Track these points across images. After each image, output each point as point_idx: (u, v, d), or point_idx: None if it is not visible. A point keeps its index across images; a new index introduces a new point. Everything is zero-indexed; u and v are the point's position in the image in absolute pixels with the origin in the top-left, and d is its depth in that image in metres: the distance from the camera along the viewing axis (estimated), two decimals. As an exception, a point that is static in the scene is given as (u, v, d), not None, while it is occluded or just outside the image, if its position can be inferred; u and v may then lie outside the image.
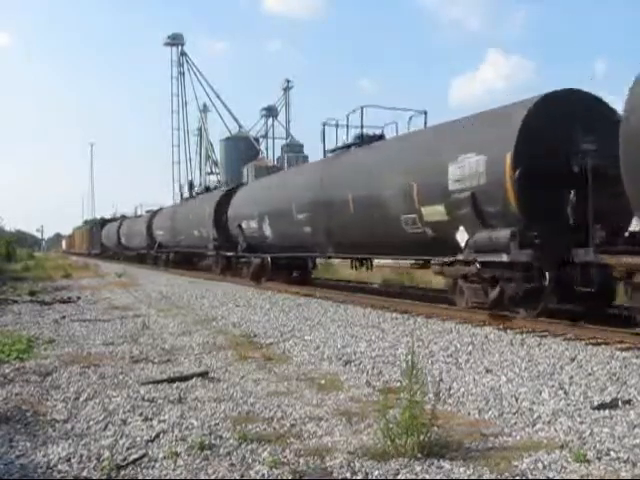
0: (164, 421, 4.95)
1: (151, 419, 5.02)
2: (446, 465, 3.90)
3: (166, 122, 74.55)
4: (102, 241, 54.25)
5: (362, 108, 15.22)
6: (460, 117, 11.69)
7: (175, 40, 71.88)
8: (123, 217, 51.86)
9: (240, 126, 66.57)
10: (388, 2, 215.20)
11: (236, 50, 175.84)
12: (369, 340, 8.70)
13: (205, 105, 71.64)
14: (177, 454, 4.16)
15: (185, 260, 30.45)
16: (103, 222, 56.98)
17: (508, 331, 9.11)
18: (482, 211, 9.81)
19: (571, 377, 6.17)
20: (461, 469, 3.83)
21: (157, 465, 4.01)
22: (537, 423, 4.76)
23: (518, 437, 4.48)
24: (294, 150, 51.71)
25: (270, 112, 71.16)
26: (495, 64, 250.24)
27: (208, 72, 72.74)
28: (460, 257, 10.33)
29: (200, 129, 72.94)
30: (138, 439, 4.51)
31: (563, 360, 7.00)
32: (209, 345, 8.58)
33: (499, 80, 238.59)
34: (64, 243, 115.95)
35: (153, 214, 37.62)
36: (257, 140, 64.69)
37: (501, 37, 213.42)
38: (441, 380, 6.18)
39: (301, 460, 4.03)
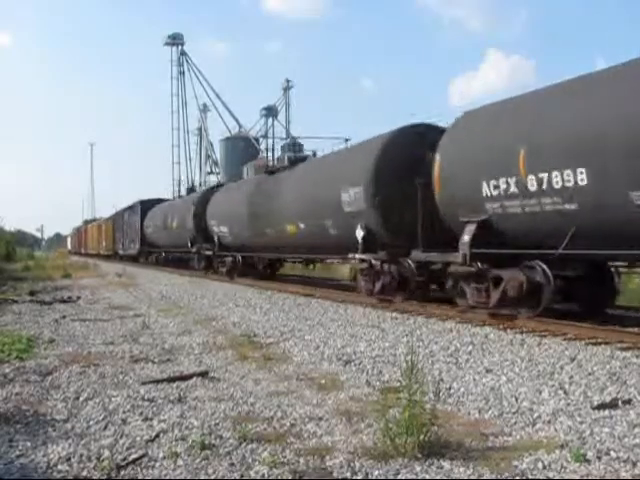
0: (164, 421, 4.95)
1: (151, 419, 5.02)
2: (446, 465, 3.90)
3: (166, 122, 74.73)
4: (145, 236, 34.49)
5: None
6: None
7: (175, 40, 71.87)
8: (201, 189, 32.76)
9: (240, 126, 66.65)
10: (389, 2, 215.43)
11: (236, 50, 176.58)
12: (369, 340, 8.69)
13: (205, 105, 71.66)
14: (177, 454, 4.15)
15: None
16: (147, 204, 35.40)
17: (508, 331, 9.11)
18: None
19: (571, 377, 6.17)
20: (461, 469, 3.83)
21: (157, 465, 4.01)
22: (537, 423, 4.76)
23: (518, 437, 4.48)
24: (294, 150, 51.61)
25: (270, 112, 71.14)
26: (495, 64, 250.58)
27: (208, 72, 72.99)
28: None
29: (200, 129, 72.94)
30: (138, 439, 4.51)
31: (563, 360, 7.00)
32: (209, 345, 8.58)
33: (499, 79, 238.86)
34: (69, 241, 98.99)
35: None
36: (257, 140, 64.68)
37: (501, 37, 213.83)
38: (441, 380, 6.18)
39: (301, 460, 4.03)
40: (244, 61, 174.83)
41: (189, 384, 6.23)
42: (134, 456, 4.14)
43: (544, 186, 8.50)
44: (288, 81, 71.88)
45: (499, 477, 3.73)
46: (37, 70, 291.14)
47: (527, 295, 9.17)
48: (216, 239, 23.23)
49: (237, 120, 67.67)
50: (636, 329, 8.16)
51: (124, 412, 5.23)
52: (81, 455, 4.18)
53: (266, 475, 3.80)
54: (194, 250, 25.60)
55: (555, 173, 8.31)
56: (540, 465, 3.87)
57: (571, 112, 8.44)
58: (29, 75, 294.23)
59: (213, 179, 66.70)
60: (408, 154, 12.10)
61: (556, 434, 4.48)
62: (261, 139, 67.79)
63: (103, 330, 10.15)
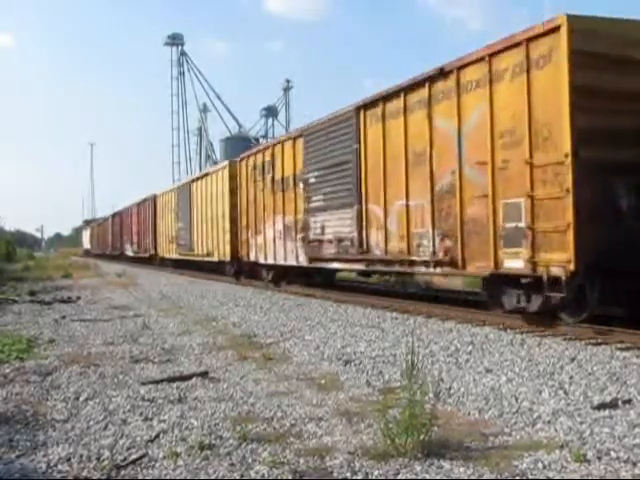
0: (164, 421, 4.95)
1: (151, 419, 5.03)
2: (446, 465, 3.90)
3: (166, 122, 74.89)
4: None
5: None
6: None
7: (175, 40, 72.10)
8: None
9: (240, 126, 66.80)
10: (390, 2, 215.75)
11: (237, 50, 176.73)
12: (369, 340, 8.69)
13: (205, 105, 71.89)
14: (177, 454, 4.16)
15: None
16: None
17: (508, 331, 9.11)
18: None
19: (571, 377, 6.17)
20: (461, 469, 3.83)
21: (157, 465, 4.01)
22: (537, 423, 4.75)
23: (518, 437, 4.47)
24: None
25: (270, 112, 71.31)
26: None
27: (208, 72, 73.32)
28: None
29: (200, 129, 73.09)
30: (138, 439, 4.51)
31: (563, 360, 7.00)
32: (209, 345, 8.58)
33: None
34: (88, 236, 70.64)
35: None
36: (257, 140, 64.79)
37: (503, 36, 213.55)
38: (441, 380, 6.17)
39: (301, 460, 4.03)
40: (244, 61, 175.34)
41: (189, 384, 6.23)
42: (134, 456, 4.14)
43: None
44: (288, 81, 72.25)
45: (499, 477, 3.73)
46: (37, 70, 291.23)
47: None
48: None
49: (237, 120, 67.91)
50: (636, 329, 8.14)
51: (124, 412, 5.23)
52: (81, 455, 4.19)
53: (266, 475, 3.80)
54: None
55: None
56: (540, 465, 3.87)
57: None
58: (29, 75, 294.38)
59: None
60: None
61: (556, 434, 4.48)
62: (261, 139, 68.00)
63: (103, 330, 10.15)
